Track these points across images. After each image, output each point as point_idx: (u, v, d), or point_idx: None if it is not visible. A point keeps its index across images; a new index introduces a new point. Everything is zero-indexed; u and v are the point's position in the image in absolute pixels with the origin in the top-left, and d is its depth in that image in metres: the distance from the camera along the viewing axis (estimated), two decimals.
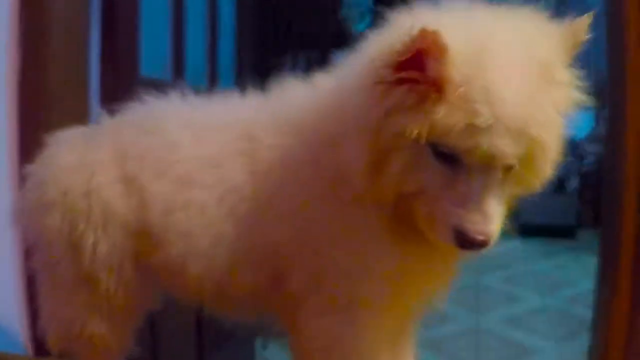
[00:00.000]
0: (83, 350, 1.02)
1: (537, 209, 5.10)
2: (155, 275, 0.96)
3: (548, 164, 0.78)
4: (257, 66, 2.66)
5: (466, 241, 0.73)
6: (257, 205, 0.88)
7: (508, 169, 0.75)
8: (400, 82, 0.71)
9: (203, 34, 2.28)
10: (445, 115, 0.69)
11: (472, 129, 0.69)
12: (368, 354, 0.88)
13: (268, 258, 0.88)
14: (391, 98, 0.72)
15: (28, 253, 1.06)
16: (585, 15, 0.76)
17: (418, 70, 0.70)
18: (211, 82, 2.31)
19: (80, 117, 1.51)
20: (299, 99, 0.90)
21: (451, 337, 3.42)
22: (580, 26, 0.76)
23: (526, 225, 5.47)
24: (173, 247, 0.91)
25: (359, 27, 3.82)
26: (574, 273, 4.35)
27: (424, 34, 0.67)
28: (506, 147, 0.70)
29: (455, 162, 0.73)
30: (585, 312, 3.30)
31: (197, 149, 0.92)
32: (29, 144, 1.41)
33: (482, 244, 0.73)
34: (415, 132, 0.70)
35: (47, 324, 1.03)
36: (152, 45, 1.95)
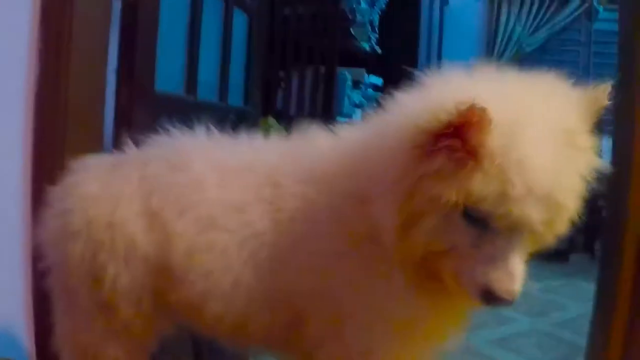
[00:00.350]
0: None
1: None
2: (174, 310, 0.98)
3: (566, 223, 0.82)
4: (265, 81, 2.68)
5: (493, 299, 0.77)
6: (277, 252, 0.90)
7: (537, 231, 0.78)
8: (440, 149, 0.74)
9: (216, 50, 2.30)
10: (481, 184, 0.73)
11: (505, 197, 0.73)
12: None
13: (286, 304, 0.90)
14: (429, 164, 0.75)
15: (43, 274, 1.07)
16: (606, 82, 0.80)
17: (459, 139, 0.73)
18: (222, 97, 2.33)
19: (96, 129, 1.53)
20: (323, 148, 0.92)
21: (439, 358, 3.44)
22: (601, 92, 0.80)
23: None
24: (194, 287, 0.93)
25: (365, 46, 3.85)
26: (565, 297, 4.37)
27: (473, 109, 0.70)
28: (535, 215, 0.74)
29: (485, 225, 0.76)
30: (574, 336, 3.33)
31: (222, 191, 0.94)
32: (44, 156, 1.43)
33: (507, 303, 0.77)
34: (452, 198, 0.74)
35: (63, 345, 1.05)
36: (168, 61, 1.97)
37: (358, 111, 3.66)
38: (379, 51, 4.08)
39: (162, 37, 1.82)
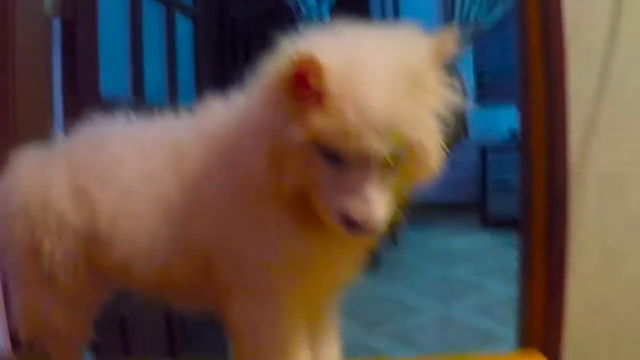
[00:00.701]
0: (49, 339, 1.15)
1: (505, 202, 5.27)
2: (105, 273, 1.09)
3: (430, 159, 0.89)
4: (216, 78, 2.81)
5: (352, 226, 0.85)
6: (185, 212, 1.01)
7: (387, 164, 0.85)
8: (287, 97, 0.85)
9: (161, 55, 2.42)
10: (323, 123, 0.82)
11: (344, 133, 0.82)
12: (287, 338, 0.99)
13: (198, 256, 1.01)
14: (282, 111, 0.85)
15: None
16: (450, 27, 0.88)
17: (301, 86, 0.83)
18: (171, 98, 2.46)
19: (46, 136, 1.66)
20: (218, 115, 1.02)
21: (419, 328, 3.57)
22: (447, 37, 0.88)
23: (494, 217, 5.66)
24: (119, 251, 1.04)
25: None
26: None
27: (301, 57, 0.81)
28: (375, 147, 0.82)
29: (339, 161, 0.85)
30: None
31: (137, 166, 1.05)
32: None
33: (366, 228, 0.84)
34: (302, 138, 0.84)
35: (18, 317, 1.17)
36: (112, 67, 2.09)
37: None
38: None
39: (104, 48, 1.96)
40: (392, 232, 5.03)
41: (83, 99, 1.80)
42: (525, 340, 1.43)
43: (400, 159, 0.86)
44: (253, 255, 0.97)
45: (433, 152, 0.89)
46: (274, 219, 0.94)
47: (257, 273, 0.97)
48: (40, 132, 1.62)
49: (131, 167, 1.05)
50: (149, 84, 2.32)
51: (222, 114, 1.01)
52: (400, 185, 0.90)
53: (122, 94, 2.19)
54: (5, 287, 1.51)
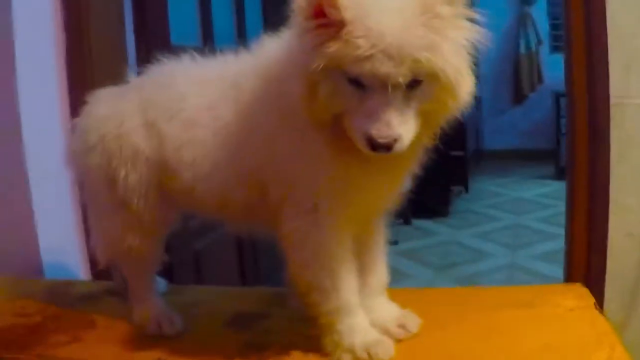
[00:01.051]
0: (124, 260, 1.27)
1: None
2: (173, 197, 1.20)
3: (454, 86, 0.92)
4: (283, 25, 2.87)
5: (373, 145, 0.91)
6: (240, 137, 1.09)
7: (409, 86, 0.90)
8: (312, 27, 0.90)
9: (228, 4, 2.51)
10: (338, 50, 0.88)
11: (358, 58, 0.88)
12: (331, 250, 1.06)
13: (253, 177, 1.10)
14: (307, 40, 0.92)
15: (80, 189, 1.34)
16: None
17: (321, 17, 0.89)
18: (240, 44, 2.54)
19: (120, 81, 1.79)
20: (270, 50, 1.08)
21: (486, 273, 3.61)
22: None
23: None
24: (183, 175, 1.14)
25: None
26: None
27: None
28: (389, 70, 0.87)
29: (361, 86, 0.91)
30: None
31: (199, 98, 1.14)
32: (77, 103, 1.71)
33: (387, 146, 0.91)
34: (322, 63, 0.89)
35: (96, 242, 1.29)
36: (182, 16, 2.19)
37: None
38: None
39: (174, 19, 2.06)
40: (464, 182, 5.05)
41: (154, 46, 1.90)
42: (569, 275, 1.47)
43: (421, 84, 0.91)
44: (298, 177, 1.05)
45: (456, 79, 0.92)
46: (315, 145, 1.01)
47: (302, 193, 1.05)
48: (114, 78, 1.75)
49: (194, 99, 1.15)
50: (218, 31, 2.41)
51: (273, 48, 1.08)
52: (430, 110, 0.95)
53: (192, 42, 2.29)
54: (84, 219, 1.67)
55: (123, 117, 1.19)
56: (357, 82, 0.91)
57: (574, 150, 1.40)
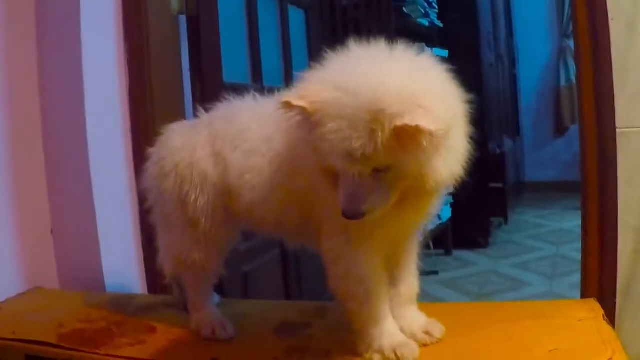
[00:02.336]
0: (188, 271, 1.43)
1: None
2: (236, 217, 1.37)
3: (420, 177, 1.02)
4: None
5: (345, 215, 1.05)
6: (292, 165, 1.24)
7: (377, 171, 1.02)
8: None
9: (276, 41, 2.70)
10: (312, 146, 1.05)
11: (321, 154, 1.03)
12: (362, 265, 1.19)
13: (301, 201, 1.25)
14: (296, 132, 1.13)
15: (148, 211, 1.50)
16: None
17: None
18: (287, 83, 2.74)
19: (178, 116, 1.96)
20: None
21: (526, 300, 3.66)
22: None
23: None
24: (244, 199, 1.31)
25: (422, 21, 4.13)
26: None
27: (296, 95, 1.03)
28: (348, 167, 1.01)
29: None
30: None
31: (259, 131, 1.30)
32: (140, 136, 1.91)
33: (352, 217, 1.04)
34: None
35: (164, 257, 1.47)
36: (233, 56, 2.39)
37: None
38: (439, 24, 4.33)
39: (225, 40, 2.26)
40: (504, 214, 5.11)
41: (208, 84, 2.10)
42: (585, 291, 1.59)
43: (388, 169, 1.03)
44: (330, 205, 1.17)
45: (420, 174, 1.02)
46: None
47: (335, 218, 1.17)
48: (173, 114, 1.93)
49: (254, 132, 1.31)
50: (267, 71, 2.59)
51: None
52: (407, 186, 1.06)
53: (242, 80, 2.48)
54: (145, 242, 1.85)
55: (194, 147, 1.37)
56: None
57: (586, 176, 1.52)
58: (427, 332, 1.28)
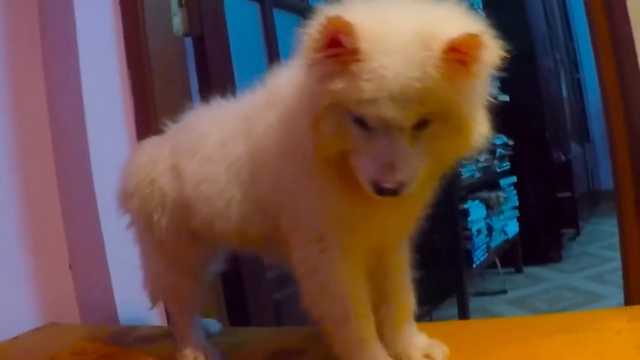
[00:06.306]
0: (165, 298, 1.35)
1: None
2: (200, 235, 1.24)
3: (466, 127, 0.90)
4: None
5: (379, 189, 0.88)
6: (252, 169, 1.11)
7: (417, 127, 0.88)
8: (320, 59, 0.87)
9: None
10: (343, 90, 0.86)
11: (362, 101, 0.85)
12: (341, 279, 1.05)
13: (266, 209, 1.11)
14: (316, 74, 0.89)
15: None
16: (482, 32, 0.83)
17: (332, 48, 0.85)
18: None
19: None
20: (280, 83, 1.08)
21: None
22: (485, 38, 0.83)
23: None
24: (202, 212, 1.19)
25: None
26: None
27: (332, 19, 0.84)
28: (394, 114, 0.84)
29: (367, 127, 0.88)
30: None
31: (216, 136, 1.19)
32: None
33: (392, 192, 0.88)
34: (325, 101, 0.88)
35: (145, 281, 1.38)
36: (250, 77, 2.31)
37: None
38: None
39: (240, 59, 2.18)
40: (575, 224, 4.83)
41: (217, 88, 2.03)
42: (629, 296, 1.43)
43: (430, 124, 0.89)
44: (304, 208, 1.05)
45: (467, 122, 0.90)
46: (321, 179, 1.00)
47: (308, 223, 1.05)
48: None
49: (211, 138, 1.20)
50: None
51: (282, 81, 1.08)
52: (440, 149, 0.93)
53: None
54: None
55: (155, 163, 1.28)
56: (362, 123, 0.89)
57: (620, 189, 1.34)
58: (427, 356, 1.12)
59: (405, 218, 1.08)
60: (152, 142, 1.37)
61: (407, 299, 1.16)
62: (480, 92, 0.91)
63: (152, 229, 1.28)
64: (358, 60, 0.85)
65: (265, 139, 1.09)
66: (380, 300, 1.13)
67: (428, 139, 0.90)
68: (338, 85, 0.87)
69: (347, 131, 0.91)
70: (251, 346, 1.40)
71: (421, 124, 0.88)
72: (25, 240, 1.84)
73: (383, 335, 1.12)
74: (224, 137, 1.17)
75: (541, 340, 1.17)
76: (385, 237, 1.10)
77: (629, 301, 1.39)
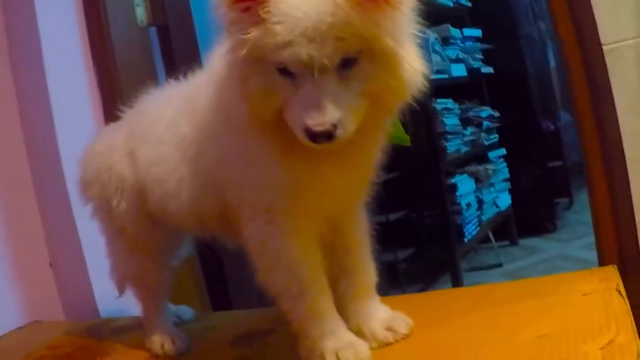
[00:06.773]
0: (131, 285, 1.34)
1: None
2: (158, 219, 1.23)
3: (394, 62, 0.88)
4: None
5: (312, 135, 0.86)
6: (197, 147, 1.10)
7: (343, 67, 0.86)
8: (236, 17, 0.86)
9: None
10: (258, 37, 0.85)
11: (278, 45, 0.83)
12: (293, 252, 1.02)
13: (214, 186, 1.09)
14: (233, 31, 0.88)
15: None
16: None
17: (241, 1, 0.85)
18: None
19: None
20: (217, 59, 1.04)
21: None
22: None
23: None
24: (155, 194, 1.19)
25: (446, 3, 3.88)
26: None
27: None
28: (312, 53, 0.82)
29: (292, 74, 0.87)
30: None
31: (167, 118, 1.18)
32: None
33: (325, 134, 0.85)
34: (245, 53, 0.86)
35: (110, 269, 1.37)
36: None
37: (458, 66, 3.72)
38: (468, 4, 4.08)
39: (208, 47, 2.16)
40: (569, 193, 4.81)
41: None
42: (602, 257, 1.38)
43: (357, 62, 0.87)
44: (248, 178, 1.03)
45: (394, 56, 0.88)
46: (261, 145, 0.99)
47: (254, 194, 1.03)
48: None
49: (162, 120, 1.19)
50: None
51: (219, 54, 1.04)
52: (375, 91, 0.91)
53: None
54: None
55: (112, 150, 1.28)
56: (286, 72, 0.87)
57: (578, 109, 1.32)
58: (389, 329, 1.11)
59: (354, 179, 1.05)
60: (109, 129, 1.37)
61: (368, 272, 1.15)
62: (404, 27, 0.90)
63: (112, 216, 1.27)
64: (268, 7, 0.84)
65: (206, 115, 1.08)
66: (340, 274, 1.11)
67: (358, 79, 0.88)
68: (253, 34, 0.85)
69: (275, 84, 0.89)
70: (220, 330, 1.40)
71: (346, 63, 0.86)
72: (5, 242, 1.84)
73: (344, 309, 1.10)
74: (173, 118, 1.17)
75: (506, 307, 1.16)
76: (336, 203, 1.07)
77: (602, 262, 1.35)
